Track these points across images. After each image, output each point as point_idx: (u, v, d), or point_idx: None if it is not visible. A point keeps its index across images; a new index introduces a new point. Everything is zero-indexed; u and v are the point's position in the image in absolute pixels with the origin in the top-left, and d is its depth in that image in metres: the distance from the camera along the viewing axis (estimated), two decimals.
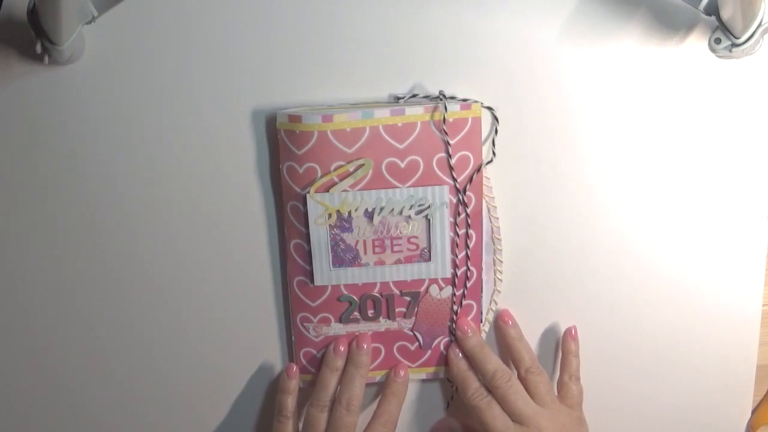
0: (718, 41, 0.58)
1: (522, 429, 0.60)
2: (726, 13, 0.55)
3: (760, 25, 0.55)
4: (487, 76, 0.62)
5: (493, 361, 0.63)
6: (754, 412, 0.70)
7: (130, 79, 0.62)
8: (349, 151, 0.60)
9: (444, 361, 0.66)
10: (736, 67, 0.62)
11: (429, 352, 0.66)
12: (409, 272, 0.63)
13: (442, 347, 0.66)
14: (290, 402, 0.64)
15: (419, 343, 0.66)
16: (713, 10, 0.56)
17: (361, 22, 0.61)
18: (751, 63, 0.62)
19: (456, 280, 0.64)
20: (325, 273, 0.63)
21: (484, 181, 0.63)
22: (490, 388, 0.62)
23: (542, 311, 0.67)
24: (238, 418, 0.68)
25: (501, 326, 0.66)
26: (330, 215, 0.61)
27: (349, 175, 0.60)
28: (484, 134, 0.62)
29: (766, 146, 0.64)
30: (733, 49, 0.57)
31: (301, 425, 0.65)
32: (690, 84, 0.62)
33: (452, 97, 0.61)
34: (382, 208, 0.61)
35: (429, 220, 0.62)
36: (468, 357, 0.64)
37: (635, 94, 0.63)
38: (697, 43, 0.61)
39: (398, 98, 0.62)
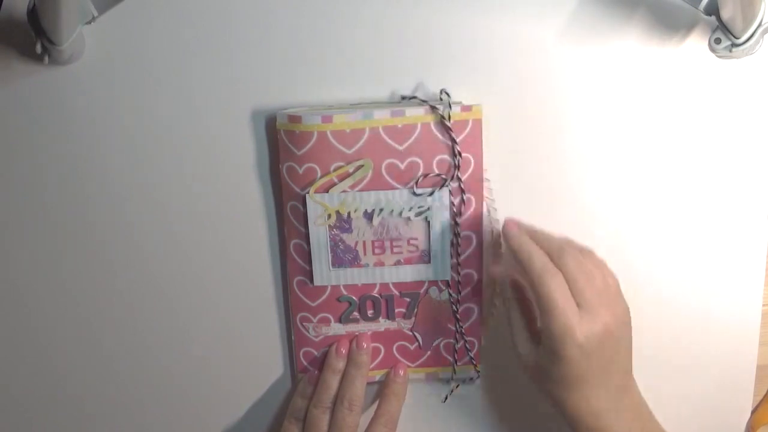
0: (718, 41, 0.58)
1: (589, 317, 0.52)
2: (726, 13, 0.55)
3: (760, 25, 0.55)
4: (488, 77, 0.62)
5: (557, 237, 0.56)
6: (754, 412, 0.70)
7: (130, 79, 0.62)
8: (348, 152, 0.60)
9: (503, 235, 0.58)
10: (736, 67, 0.62)
11: (428, 352, 0.66)
12: (408, 274, 0.63)
13: (441, 348, 0.66)
14: (304, 406, 0.65)
15: (419, 343, 0.66)
16: (713, 10, 0.56)
17: (361, 22, 0.61)
18: (751, 63, 0.62)
19: (456, 283, 0.64)
20: (324, 273, 0.63)
21: (485, 183, 0.62)
22: (557, 266, 0.54)
23: None
24: (238, 417, 0.69)
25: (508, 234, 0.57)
26: (329, 216, 0.61)
27: (348, 175, 0.60)
28: (484, 136, 0.62)
29: (766, 146, 0.64)
30: (733, 49, 0.57)
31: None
32: (690, 84, 0.62)
33: (450, 96, 0.61)
34: (381, 210, 0.61)
35: (429, 222, 0.61)
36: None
37: (635, 94, 0.62)
38: (697, 43, 0.61)
39: (402, 97, 0.61)
